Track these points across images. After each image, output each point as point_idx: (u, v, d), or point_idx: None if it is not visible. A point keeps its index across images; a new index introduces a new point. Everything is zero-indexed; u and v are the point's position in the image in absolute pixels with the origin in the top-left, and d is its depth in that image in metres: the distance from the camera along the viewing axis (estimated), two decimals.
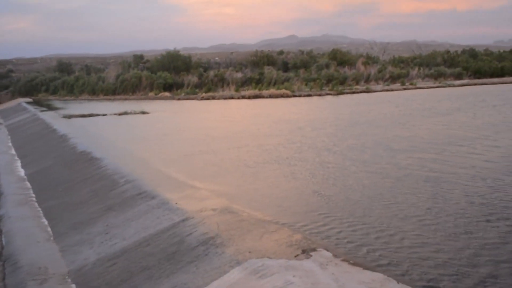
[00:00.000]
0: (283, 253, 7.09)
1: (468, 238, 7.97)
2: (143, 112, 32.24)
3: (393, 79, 56.45)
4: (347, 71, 57.39)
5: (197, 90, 48.16)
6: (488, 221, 8.78)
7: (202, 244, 7.80)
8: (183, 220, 8.99)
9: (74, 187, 14.17)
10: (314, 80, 50.14)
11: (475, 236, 8.05)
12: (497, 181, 11.45)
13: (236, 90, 45.84)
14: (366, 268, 6.65)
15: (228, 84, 50.63)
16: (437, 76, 60.17)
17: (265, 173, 13.06)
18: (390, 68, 60.86)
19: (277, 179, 12.36)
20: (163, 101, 44.37)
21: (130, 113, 32.03)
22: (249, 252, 7.15)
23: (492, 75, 64.25)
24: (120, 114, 31.65)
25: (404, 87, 50.21)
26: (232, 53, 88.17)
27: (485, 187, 11.04)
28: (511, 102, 32.92)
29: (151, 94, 48.38)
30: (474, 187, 11.02)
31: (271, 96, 42.22)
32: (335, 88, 45.80)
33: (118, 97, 49.85)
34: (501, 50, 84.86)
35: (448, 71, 62.89)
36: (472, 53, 77.18)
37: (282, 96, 42.32)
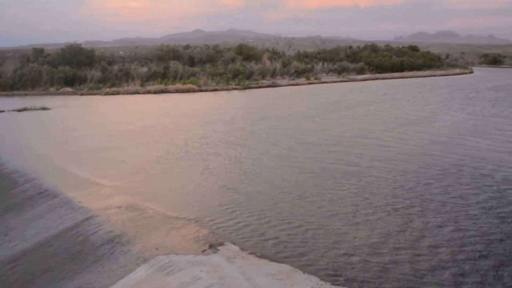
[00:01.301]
0: (190, 248, 7.07)
1: (371, 227, 8.20)
2: (44, 108, 31.01)
3: (298, 73, 57.52)
4: (253, 65, 57.80)
5: (100, 85, 46.86)
6: (388, 211, 9.08)
7: (107, 243, 7.58)
8: (87, 219, 8.71)
9: None
10: (220, 74, 50.16)
11: (377, 226, 8.30)
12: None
13: (142, 85, 45.05)
14: (273, 260, 6.76)
15: (133, 79, 49.61)
16: (340, 71, 61.92)
17: (175, 169, 12.91)
18: (295, 63, 61.91)
19: (188, 175, 12.24)
20: (65, 96, 42.82)
21: (30, 109, 30.74)
22: (156, 249, 7.05)
23: (393, 69, 66.95)
24: (19, 111, 30.31)
25: (309, 81, 51.31)
26: (137, 47, 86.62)
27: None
28: (410, 95, 34.38)
29: (52, 89, 46.57)
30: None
31: (177, 91, 41.87)
32: (241, 83, 46.08)
33: (16, 92, 47.57)
34: (401, 46, 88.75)
35: (351, 66, 64.88)
36: (373, 48, 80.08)
37: (188, 91, 42.06)
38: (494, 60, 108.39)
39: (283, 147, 15.70)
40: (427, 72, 66.16)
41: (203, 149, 15.57)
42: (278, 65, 59.03)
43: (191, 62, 61.49)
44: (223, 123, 21.49)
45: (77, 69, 51.50)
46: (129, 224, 8.13)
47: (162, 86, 43.47)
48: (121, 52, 72.35)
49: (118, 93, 42.33)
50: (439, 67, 76.73)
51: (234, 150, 15.34)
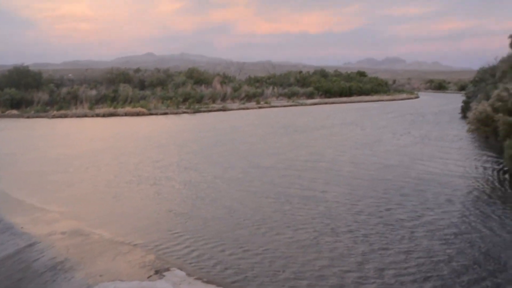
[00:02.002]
0: (136, 274, 6.96)
1: (319, 251, 8.26)
2: None
3: (249, 97, 57.85)
4: (204, 89, 57.80)
5: (48, 108, 45.96)
6: (336, 234, 9.16)
7: (50, 270, 7.37)
8: (30, 245, 8.46)
9: None
10: (170, 98, 49.93)
11: (325, 249, 8.37)
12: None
13: (90, 108, 44.43)
14: (220, 285, 6.74)
15: (81, 102, 48.85)
16: (290, 95, 62.57)
17: (126, 193, 12.71)
18: (246, 87, 62.23)
19: (138, 200, 12.07)
20: (10, 119, 41.79)
21: None
22: (100, 275, 6.91)
23: (341, 94, 68.13)
24: None
25: (260, 105, 51.61)
26: (87, 69, 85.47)
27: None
28: (358, 120, 34.97)
29: None
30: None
31: (126, 114, 41.48)
32: (191, 107, 45.99)
33: None
34: (350, 71, 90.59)
35: (301, 90, 65.67)
36: (323, 73, 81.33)
37: (138, 114, 41.73)
38: (439, 86, 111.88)
39: (238, 171, 15.69)
40: (375, 97, 67.67)
41: (155, 173, 15.42)
42: (229, 89, 59.25)
43: (142, 85, 61.01)
44: (175, 147, 21.34)
45: (24, 91, 50.37)
46: (73, 250, 7.94)
47: (111, 109, 43.01)
48: (70, 75, 71.19)
49: (66, 116, 41.62)
50: (386, 92, 78.61)
51: (187, 174, 15.24)
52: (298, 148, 20.81)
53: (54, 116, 41.37)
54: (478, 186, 13.46)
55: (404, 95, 75.46)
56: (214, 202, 11.61)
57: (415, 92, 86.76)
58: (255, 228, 9.43)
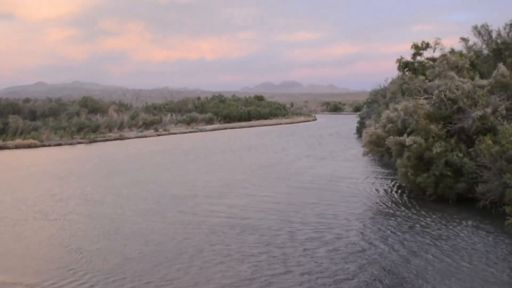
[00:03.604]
0: None
1: (221, 278, 8.15)
2: None
3: (147, 125, 57.01)
4: (99, 118, 56.40)
5: None
6: (237, 259, 9.06)
7: None
8: None
9: None
10: (64, 128, 48.22)
11: (228, 274, 8.32)
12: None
13: None
14: None
15: None
16: (189, 122, 62.34)
17: (24, 231, 12.17)
18: (143, 115, 61.35)
19: (37, 237, 11.59)
20: None
21: None
22: None
23: (240, 119, 68.84)
24: None
25: (158, 133, 51.01)
26: None
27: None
28: (259, 144, 35.33)
29: None
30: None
31: (17, 147, 39.58)
32: (87, 136, 44.69)
33: None
34: (247, 96, 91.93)
35: (200, 116, 65.66)
36: (221, 99, 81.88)
37: (29, 146, 39.94)
38: (335, 108, 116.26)
39: (148, 201, 15.33)
40: (274, 121, 68.99)
41: (57, 207, 14.76)
42: (125, 117, 58.18)
43: (33, 116, 58.62)
44: (75, 178, 20.49)
45: None
46: None
47: (0, 143, 40.92)
48: None
49: None
50: (284, 115, 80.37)
51: (93, 207, 14.73)
52: (205, 174, 20.68)
53: None
54: (376, 203, 13.90)
55: (302, 118, 77.68)
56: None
57: (313, 115, 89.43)
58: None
